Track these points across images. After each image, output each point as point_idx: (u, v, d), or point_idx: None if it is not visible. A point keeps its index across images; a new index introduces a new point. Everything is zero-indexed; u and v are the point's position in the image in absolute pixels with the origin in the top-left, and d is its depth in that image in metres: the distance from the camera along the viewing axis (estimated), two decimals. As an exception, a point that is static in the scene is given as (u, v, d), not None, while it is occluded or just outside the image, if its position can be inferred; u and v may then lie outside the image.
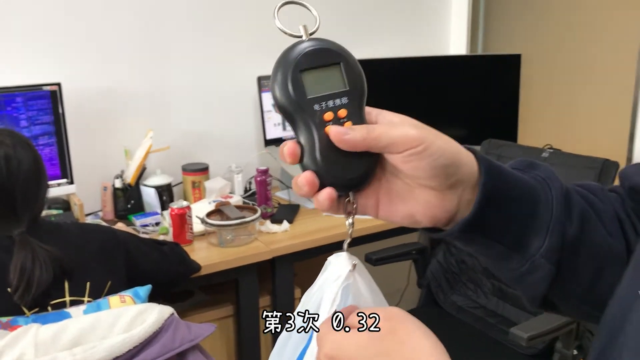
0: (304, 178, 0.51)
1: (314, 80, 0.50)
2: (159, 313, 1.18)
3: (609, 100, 2.48)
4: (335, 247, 2.05)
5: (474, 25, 2.83)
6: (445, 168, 0.52)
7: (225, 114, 2.36)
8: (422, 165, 0.51)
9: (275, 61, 0.50)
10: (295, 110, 0.50)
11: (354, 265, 0.57)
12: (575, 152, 1.99)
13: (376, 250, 2.07)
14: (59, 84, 1.92)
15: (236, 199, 2.13)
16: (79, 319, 1.15)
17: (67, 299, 1.30)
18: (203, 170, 2.22)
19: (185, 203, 1.89)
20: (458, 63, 2.63)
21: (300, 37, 0.52)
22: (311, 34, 0.52)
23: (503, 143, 2.18)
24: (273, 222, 2.05)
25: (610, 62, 2.40)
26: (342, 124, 0.51)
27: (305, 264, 2.10)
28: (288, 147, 0.51)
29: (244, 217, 1.90)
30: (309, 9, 0.53)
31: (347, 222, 0.56)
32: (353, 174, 0.52)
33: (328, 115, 0.50)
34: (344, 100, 0.51)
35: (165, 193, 2.14)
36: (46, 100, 1.90)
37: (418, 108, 2.57)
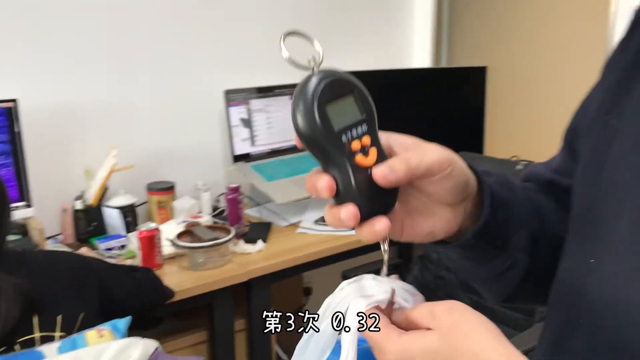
0: (349, 212, 0.50)
1: (336, 112, 0.50)
2: (143, 348, 1.08)
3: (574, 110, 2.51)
4: (313, 266, 1.99)
5: (437, 38, 2.83)
6: (464, 185, 0.56)
7: (191, 130, 2.27)
8: (448, 186, 0.55)
9: (295, 95, 0.50)
10: (326, 144, 0.50)
11: (393, 292, 0.52)
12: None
13: (353, 268, 2.02)
14: (15, 100, 1.79)
15: (206, 219, 2.04)
16: (56, 359, 1.04)
17: (37, 335, 1.19)
18: (169, 189, 2.12)
19: (153, 225, 1.80)
20: (423, 76, 2.62)
21: (312, 68, 0.51)
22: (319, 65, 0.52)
23: (475, 156, 2.17)
24: (247, 242, 1.97)
25: (576, 73, 2.43)
26: (367, 152, 0.51)
27: (280, 285, 2.03)
28: (326, 181, 0.50)
29: (217, 238, 1.81)
30: (312, 42, 0.53)
31: (383, 249, 0.54)
32: (386, 199, 0.53)
33: (355, 145, 0.51)
34: (364, 127, 0.52)
35: (129, 214, 2.03)
36: (1, 118, 1.77)
37: (384, 121, 2.54)
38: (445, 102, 2.54)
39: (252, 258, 1.90)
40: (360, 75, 2.37)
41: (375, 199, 0.52)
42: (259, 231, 2.05)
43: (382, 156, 0.52)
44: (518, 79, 2.65)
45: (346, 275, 1.97)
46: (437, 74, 2.64)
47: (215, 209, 2.21)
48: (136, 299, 1.45)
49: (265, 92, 2.33)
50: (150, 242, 1.76)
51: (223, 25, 2.27)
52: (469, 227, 0.59)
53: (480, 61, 2.54)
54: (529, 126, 2.63)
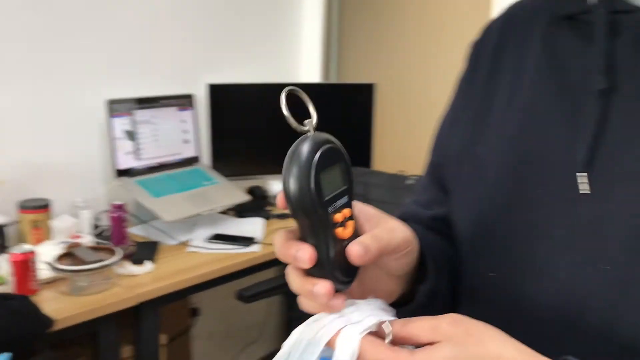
0: (326, 289, 0.49)
1: (327, 181, 0.49)
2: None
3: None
4: (206, 286, 1.90)
5: (327, 55, 2.85)
6: (415, 259, 0.59)
7: (69, 142, 2.08)
8: (406, 261, 0.57)
9: (290, 157, 0.48)
10: (316, 212, 0.48)
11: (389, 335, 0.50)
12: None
13: (248, 286, 1.94)
14: None
15: (88, 239, 1.88)
16: None
17: None
18: (43, 207, 1.93)
19: (28, 247, 1.62)
20: (312, 91, 2.61)
21: (307, 131, 0.50)
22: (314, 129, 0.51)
23: (366, 171, 2.19)
24: (133, 263, 1.84)
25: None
26: (346, 225, 0.50)
27: (170, 308, 1.91)
28: (309, 253, 0.48)
29: (101, 260, 1.67)
30: (308, 104, 0.51)
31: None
32: (351, 274, 0.52)
33: (337, 217, 0.49)
34: (346, 198, 0.51)
35: (-2, 235, 1.82)
36: None
37: (275, 135, 2.51)
38: (334, 117, 2.55)
39: (140, 280, 1.77)
40: (250, 88, 2.32)
41: (344, 274, 0.50)
42: (146, 251, 1.92)
43: (356, 230, 0.52)
44: (404, 95, 2.73)
45: (242, 295, 1.89)
46: (327, 90, 2.66)
47: (96, 227, 2.05)
48: (11, 331, 1.29)
49: (151, 102, 2.20)
50: (24, 266, 1.58)
51: (105, 32, 2.13)
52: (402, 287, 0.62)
53: (369, 78, 2.58)
54: (415, 141, 2.71)
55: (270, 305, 2.75)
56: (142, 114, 2.17)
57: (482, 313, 0.62)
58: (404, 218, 0.74)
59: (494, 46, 0.69)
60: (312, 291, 0.49)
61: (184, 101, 2.32)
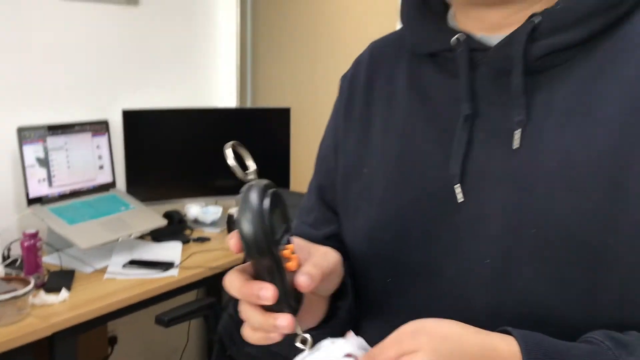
0: (288, 321, 0.55)
1: (275, 222, 0.53)
2: None
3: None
4: (124, 312, 1.89)
5: (242, 80, 2.91)
6: (341, 279, 0.67)
7: (-24, 171, 2.03)
8: (337, 281, 0.65)
9: (243, 205, 0.52)
10: (271, 251, 0.52)
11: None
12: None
13: (167, 311, 1.95)
14: None
15: (-1, 270, 1.83)
16: None
17: None
18: (-50, 238, 1.87)
19: None
20: (229, 115, 2.67)
21: (252, 179, 0.55)
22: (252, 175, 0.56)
23: (286, 192, 2.25)
24: (47, 292, 1.81)
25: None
26: (290, 258, 0.55)
27: (87, 337, 1.88)
28: (272, 291, 0.54)
29: (14, 290, 1.64)
30: (246, 158, 0.56)
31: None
32: (299, 301, 0.58)
33: (286, 253, 0.55)
34: (288, 235, 0.56)
35: None
36: None
37: (190, 159, 2.54)
38: (252, 141, 2.59)
39: (55, 310, 1.74)
40: (165, 113, 2.37)
41: (296, 302, 0.57)
42: (61, 280, 1.90)
43: (298, 261, 0.57)
44: (318, 118, 2.82)
45: (161, 319, 1.90)
46: (244, 114, 2.71)
47: (5, 257, 1.99)
48: None
49: (64, 129, 2.18)
50: None
51: (16, 58, 2.09)
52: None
53: (284, 102, 2.66)
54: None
55: (190, 329, 2.75)
56: (55, 141, 2.15)
57: (383, 319, 0.72)
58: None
59: (364, 80, 0.78)
60: (276, 325, 0.55)
61: (98, 127, 2.30)
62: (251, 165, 0.55)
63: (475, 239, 0.64)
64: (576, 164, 0.60)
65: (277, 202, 0.54)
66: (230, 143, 0.55)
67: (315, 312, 0.66)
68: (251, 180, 0.54)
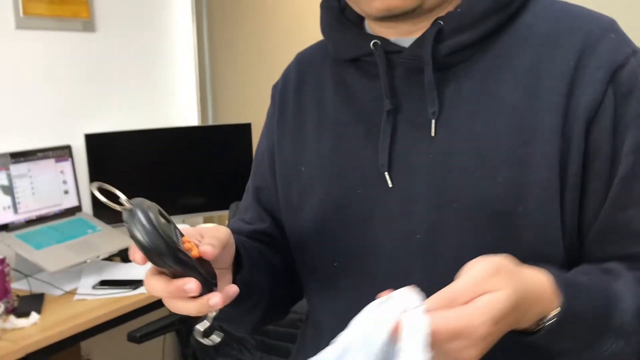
0: (218, 298, 0.63)
1: (163, 226, 0.59)
2: None
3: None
4: (96, 331, 1.92)
5: (202, 98, 2.97)
6: (234, 252, 0.73)
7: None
8: (231, 252, 0.72)
9: (135, 223, 0.58)
10: (175, 252, 0.59)
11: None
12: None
13: (139, 327, 1.98)
14: None
15: (-33, 297, 1.84)
16: None
17: None
18: None
19: None
20: (192, 134, 2.72)
21: (129, 205, 0.59)
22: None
23: (249, 205, 2.30)
24: (18, 316, 1.83)
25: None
26: (190, 247, 0.62)
27: (61, 357, 1.90)
28: (194, 284, 0.61)
29: (-16, 316, 1.66)
30: (115, 192, 0.60)
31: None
32: (214, 276, 0.66)
33: (187, 245, 0.62)
34: (177, 230, 0.62)
35: None
36: None
37: (154, 179, 2.58)
38: (214, 157, 2.67)
39: (26, 333, 1.76)
40: (127, 135, 2.43)
41: (212, 278, 0.65)
42: (31, 304, 1.92)
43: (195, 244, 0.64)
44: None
45: (133, 336, 1.93)
46: (205, 132, 2.76)
47: (-25, 286, 2.00)
48: None
49: (27, 155, 2.21)
50: None
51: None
52: None
53: (245, 118, 2.72)
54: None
55: (165, 345, 2.76)
56: (18, 168, 2.17)
57: (330, 297, 0.80)
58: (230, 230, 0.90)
59: (294, 87, 0.86)
60: (211, 304, 0.62)
61: (61, 152, 2.34)
62: (119, 194, 0.60)
63: (406, 218, 0.73)
64: (486, 145, 0.69)
65: (154, 210, 0.59)
66: (94, 184, 0.59)
67: (225, 284, 0.71)
68: (127, 206, 0.59)
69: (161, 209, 0.61)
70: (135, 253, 0.59)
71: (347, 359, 0.53)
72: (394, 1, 0.69)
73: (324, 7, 0.83)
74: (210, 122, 3.01)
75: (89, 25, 2.48)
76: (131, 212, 0.58)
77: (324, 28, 0.83)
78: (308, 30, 2.94)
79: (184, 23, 2.86)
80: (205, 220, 2.70)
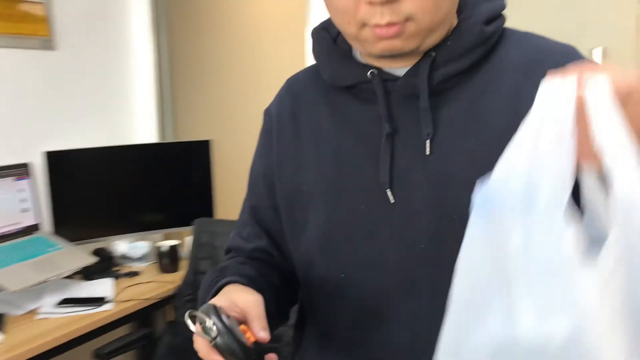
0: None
1: (233, 326, 0.73)
2: None
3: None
4: (62, 349, 1.91)
5: (162, 114, 2.98)
6: None
7: None
8: None
9: (228, 342, 0.71)
10: (247, 353, 0.73)
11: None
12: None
13: (104, 345, 1.99)
14: None
15: None
16: None
17: None
18: None
19: None
20: (150, 151, 2.73)
21: (212, 336, 0.72)
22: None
23: (212, 221, 2.34)
24: (-19, 337, 1.81)
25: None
26: (248, 335, 0.75)
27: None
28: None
29: (-53, 337, 1.64)
30: (203, 317, 0.75)
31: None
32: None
33: (248, 335, 0.75)
34: (236, 322, 0.76)
35: None
36: None
37: (114, 197, 2.58)
38: (175, 174, 2.68)
39: (-10, 353, 1.75)
40: (87, 152, 2.45)
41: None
42: (-7, 324, 1.90)
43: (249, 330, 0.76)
44: (241, 149, 2.93)
45: (99, 354, 1.93)
46: (164, 149, 2.77)
47: None
48: None
49: (-15, 175, 2.19)
50: None
51: None
52: None
53: (206, 135, 2.75)
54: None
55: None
56: (-24, 187, 2.15)
57: (340, 307, 0.87)
58: (231, 249, 0.99)
59: (289, 114, 0.93)
60: None
61: (20, 170, 2.32)
62: (206, 318, 0.72)
63: (409, 230, 0.81)
64: (478, 161, 0.78)
65: (233, 330, 0.72)
66: (192, 313, 0.74)
67: None
68: (215, 332, 0.71)
69: (222, 307, 0.74)
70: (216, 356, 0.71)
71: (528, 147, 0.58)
72: (397, 45, 0.77)
73: (315, 37, 0.91)
74: (170, 139, 3.03)
75: (48, 43, 2.48)
76: (216, 340, 0.71)
77: (318, 57, 0.91)
78: (267, 48, 3.02)
79: (144, 41, 2.88)
80: (166, 237, 2.71)
